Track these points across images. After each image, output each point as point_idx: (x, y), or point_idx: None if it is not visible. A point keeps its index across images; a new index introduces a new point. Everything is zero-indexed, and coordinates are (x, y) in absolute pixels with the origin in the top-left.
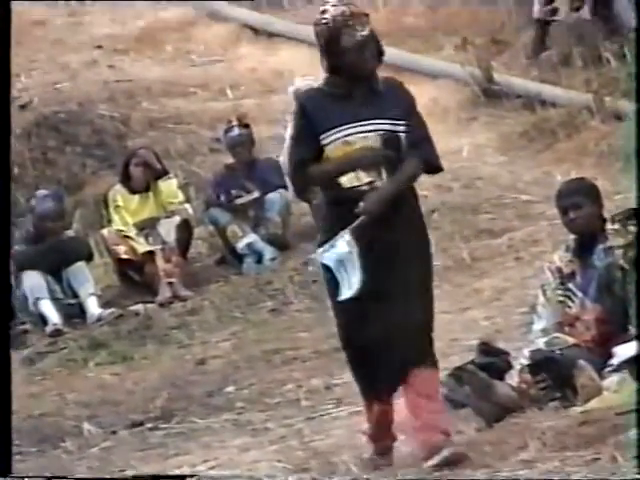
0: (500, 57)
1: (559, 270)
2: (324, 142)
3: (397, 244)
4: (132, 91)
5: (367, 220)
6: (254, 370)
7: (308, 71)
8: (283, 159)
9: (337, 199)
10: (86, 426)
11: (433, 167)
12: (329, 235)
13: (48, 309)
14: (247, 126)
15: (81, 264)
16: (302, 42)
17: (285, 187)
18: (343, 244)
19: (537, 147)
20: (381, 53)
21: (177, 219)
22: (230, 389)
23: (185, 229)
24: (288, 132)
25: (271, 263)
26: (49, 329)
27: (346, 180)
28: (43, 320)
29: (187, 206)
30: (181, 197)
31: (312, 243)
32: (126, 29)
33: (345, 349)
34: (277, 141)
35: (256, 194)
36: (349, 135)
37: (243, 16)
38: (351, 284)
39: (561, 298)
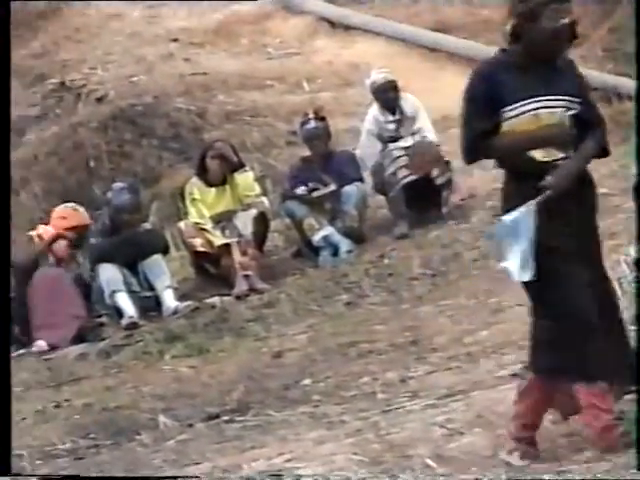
0: (576, 50)
1: (636, 263)
2: (508, 114)
3: (579, 221)
4: (208, 84)
5: (553, 195)
6: (330, 363)
7: (384, 64)
8: (360, 151)
9: (526, 173)
10: (162, 419)
11: (604, 151)
12: (510, 207)
13: (124, 302)
14: (323, 119)
15: (157, 257)
16: (378, 35)
17: (361, 180)
18: (527, 214)
19: (614, 140)
20: (575, 37)
21: (254, 212)
22: (306, 382)
23: (261, 222)
24: (365, 125)
25: (347, 256)
26: (125, 322)
27: (539, 154)
28: (119, 313)
29: (264, 199)
30: (258, 190)
31: (388, 235)
32: (202, 22)
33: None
34: (353, 134)
35: (332, 187)
36: (538, 109)
37: (319, 9)
38: (525, 261)
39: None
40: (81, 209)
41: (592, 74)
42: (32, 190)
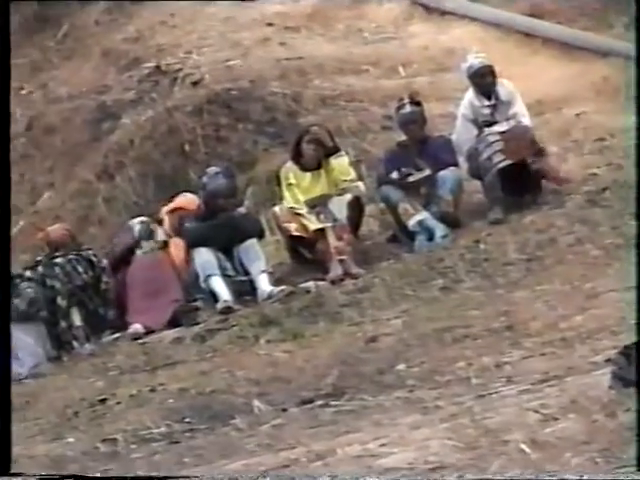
0: None
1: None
2: None
3: None
4: (304, 69)
5: None
6: (425, 348)
7: (479, 49)
8: (455, 136)
9: None
10: (256, 403)
11: None
12: None
13: (219, 286)
14: (419, 104)
15: (253, 241)
16: (474, 20)
17: (456, 165)
18: None
19: None
20: None
21: (349, 196)
22: (401, 367)
23: (357, 206)
24: (460, 110)
25: (442, 241)
26: (220, 306)
27: None
28: (214, 297)
29: (359, 183)
30: (353, 174)
31: (483, 220)
32: (298, 6)
33: None
34: (448, 119)
35: (427, 171)
36: None
37: None
38: None
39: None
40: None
41: None
42: (127, 174)
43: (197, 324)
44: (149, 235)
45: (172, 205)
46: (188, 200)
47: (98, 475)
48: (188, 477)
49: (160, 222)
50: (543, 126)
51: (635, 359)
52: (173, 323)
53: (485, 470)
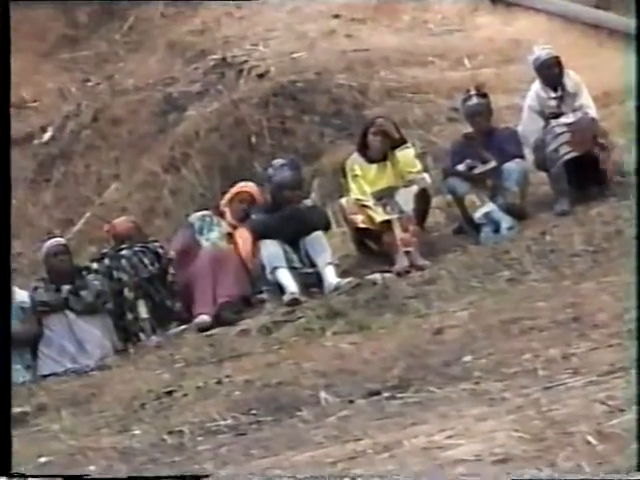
0: None
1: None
2: None
3: None
4: (370, 60)
5: None
6: (491, 340)
7: (545, 40)
8: (522, 128)
9: None
10: (323, 395)
11: None
12: None
13: (286, 278)
14: (485, 95)
15: (319, 233)
16: (539, 12)
17: (522, 156)
18: None
19: None
20: None
21: (415, 188)
22: (467, 359)
23: (423, 198)
24: (526, 101)
25: (508, 232)
26: (287, 298)
27: None
28: (280, 289)
29: (425, 175)
30: (419, 166)
31: (549, 212)
32: None
33: None
34: (514, 110)
35: (494, 163)
36: None
37: None
38: None
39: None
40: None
41: None
42: (193, 166)
43: (263, 316)
44: (212, 227)
45: (231, 193)
46: (245, 185)
47: (163, 471)
48: (190, 477)
49: (222, 214)
50: (609, 118)
51: None
52: (218, 320)
53: (551, 462)
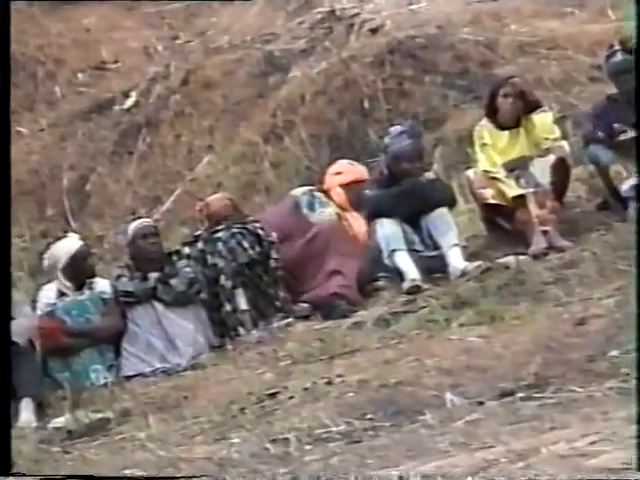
0: None
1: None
2: None
3: None
4: (498, 12)
5: None
6: None
7: None
8: None
9: None
10: (448, 396)
11: None
12: None
13: (405, 262)
14: (632, 51)
15: (443, 211)
16: None
17: None
18: None
19: None
20: None
21: (552, 158)
22: (614, 353)
23: (561, 169)
24: None
25: None
26: (407, 285)
27: None
28: (399, 275)
29: (564, 143)
30: (557, 133)
31: None
32: None
33: None
34: None
35: None
36: None
37: None
38: None
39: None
40: (357, 164)
41: None
42: (297, 135)
43: (380, 306)
44: (324, 203)
45: (346, 178)
46: (361, 171)
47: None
48: (190, 477)
49: (326, 192)
50: None
51: None
52: (329, 311)
53: None
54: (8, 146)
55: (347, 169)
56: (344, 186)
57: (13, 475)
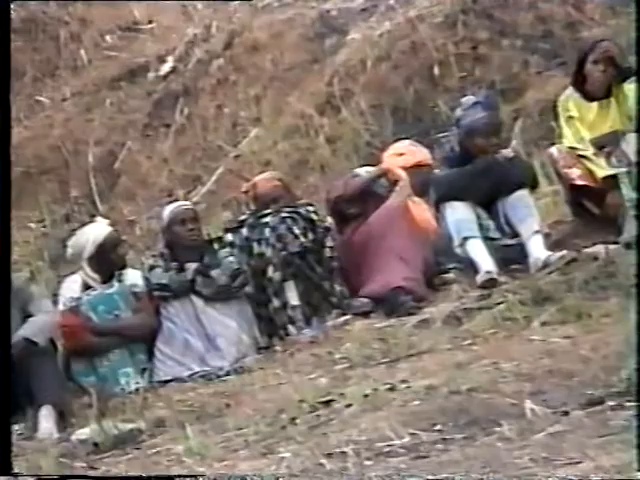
0: None
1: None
2: None
3: None
4: None
5: None
6: None
7: None
8: None
9: None
10: (528, 405)
11: None
12: None
13: (479, 252)
14: None
15: (523, 193)
16: None
17: None
18: None
19: None
20: None
21: None
22: None
23: None
24: None
25: None
26: (481, 278)
27: None
28: (473, 266)
29: None
30: None
31: None
32: None
33: None
34: None
35: None
36: None
37: None
38: None
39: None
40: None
41: None
42: (357, 105)
43: (451, 302)
44: (388, 184)
45: (408, 160)
46: (424, 153)
47: None
48: (190, 476)
49: (385, 174)
50: None
51: None
52: (392, 308)
53: None
54: (8, 140)
55: (409, 150)
56: (406, 169)
57: (13, 475)
